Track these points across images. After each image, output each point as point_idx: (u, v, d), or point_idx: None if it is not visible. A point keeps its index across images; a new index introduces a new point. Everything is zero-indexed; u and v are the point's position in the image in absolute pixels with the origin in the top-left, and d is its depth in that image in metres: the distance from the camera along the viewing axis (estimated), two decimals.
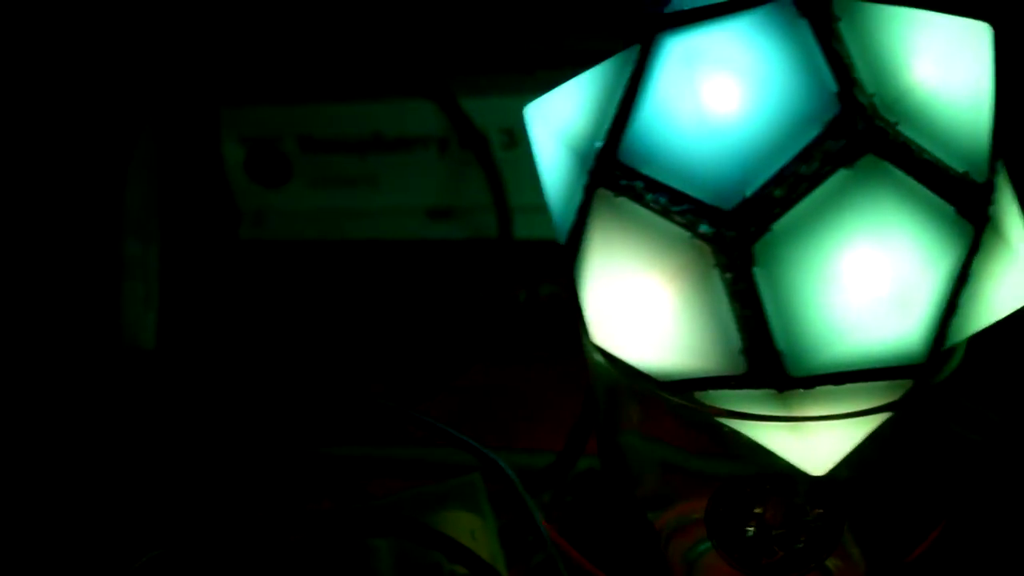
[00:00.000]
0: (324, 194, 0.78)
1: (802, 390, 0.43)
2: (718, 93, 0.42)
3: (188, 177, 0.76)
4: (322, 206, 0.78)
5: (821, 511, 0.49)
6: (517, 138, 0.74)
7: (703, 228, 0.42)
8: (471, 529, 0.56)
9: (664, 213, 0.42)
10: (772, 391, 0.44)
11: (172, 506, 0.55)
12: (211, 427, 0.68)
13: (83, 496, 0.58)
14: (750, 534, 0.49)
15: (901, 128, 0.41)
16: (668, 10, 0.44)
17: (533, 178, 0.74)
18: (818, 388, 0.43)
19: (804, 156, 0.41)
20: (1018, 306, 0.45)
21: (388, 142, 0.75)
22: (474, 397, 0.74)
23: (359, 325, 0.79)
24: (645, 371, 0.47)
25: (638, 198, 0.43)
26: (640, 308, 0.45)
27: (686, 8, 0.44)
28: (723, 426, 0.47)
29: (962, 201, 0.42)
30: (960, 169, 0.43)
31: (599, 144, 0.45)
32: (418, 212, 0.77)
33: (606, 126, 0.45)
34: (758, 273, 0.42)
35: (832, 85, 0.41)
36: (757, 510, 0.49)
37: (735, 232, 0.41)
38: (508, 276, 0.76)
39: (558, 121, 0.47)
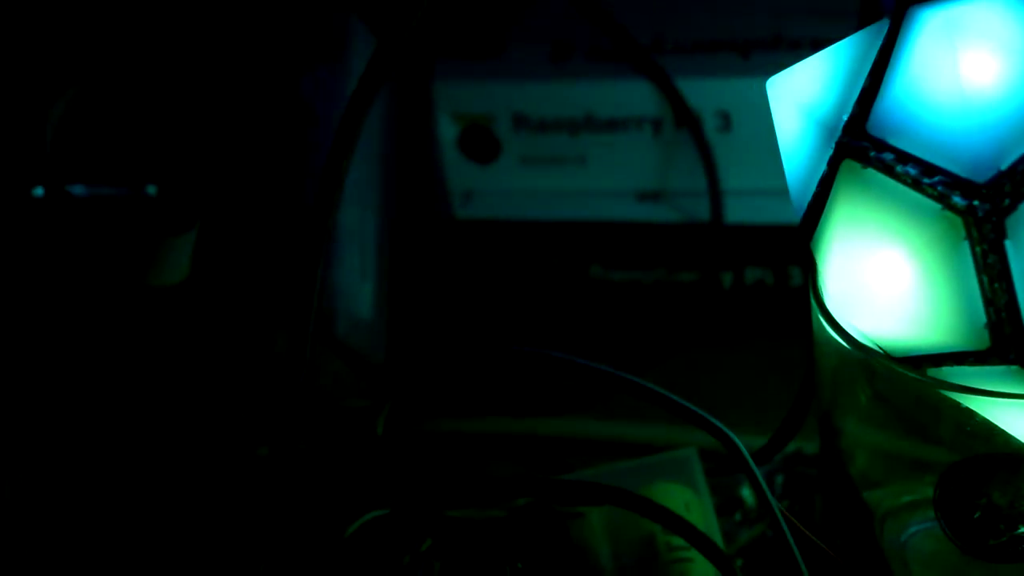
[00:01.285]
0: (534, 173, 0.78)
1: None
2: (976, 65, 0.42)
3: (405, 151, 0.77)
4: (532, 185, 0.79)
5: None
6: (731, 121, 0.74)
7: (955, 200, 0.42)
8: (685, 502, 0.57)
9: (915, 185, 0.42)
10: (1013, 368, 0.43)
11: (384, 472, 0.56)
12: (423, 396, 0.69)
13: (303, 458, 0.60)
14: (977, 515, 0.49)
15: None
16: None
17: (745, 162, 0.75)
18: None
19: None
20: None
21: (600, 123, 0.76)
22: (679, 381, 0.74)
23: (564, 306, 0.80)
24: (879, 346, 0.47)
25: (887, 170, 0.43)
26: (883, 281, 0.45)
27: None
28: (953, 406, 0.47)
29: None
30: None
31: (847, 116, 0.45)
32: (628, 194, 0.77)
33: (854, 98, 0.45)
34: (1010, 247, 0.41)
35: None
36: (986, 490, 0.49)
37: (989, 204, 0.41)
38: (716, 261, 0.76)
39: (802, 93, 0.47)
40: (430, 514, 0.48)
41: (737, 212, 0.75)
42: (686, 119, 0.74)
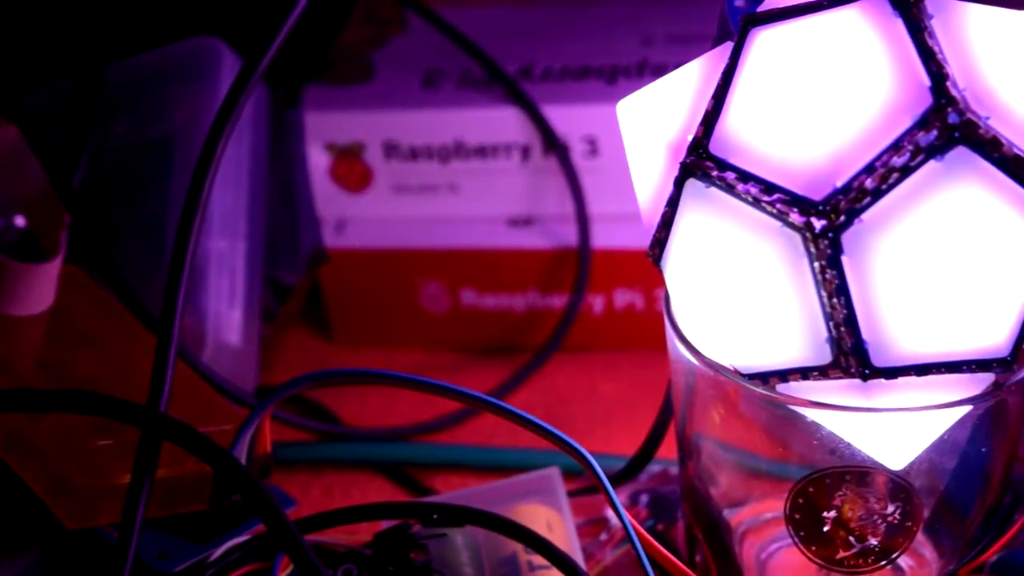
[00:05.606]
0: (405, 201, 0.79)
1: (884, 380, 0.44)
2: (809, 84, 0.43)
3: (275, 180, 0.78)
4: (403, 213, 0.79)
5: (897, 509, 0.50)
6: (598, 146, 0.75)
7: (793, 218, 0.43)
8: (547, 521, 0.57)
9: (755, 203, 0.43)
10: (855, 381, 0.44)
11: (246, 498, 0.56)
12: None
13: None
14: (827, 528, 0.50)
15: (992, 123, 0.42)
16: (762, 8, 0.46)
17: (614, 187, 0.76)
18: (901, 379, 0.44)
19: (895, 147, 0.42)
20: None
21: (470, 150, 0.76)
22: (550, 403, 0.75)
23: (437, 331, 0.81)
24: (729, 363, 0.48)
25: (729, 189, 0.44)
26: (727, 298, 0.46)
27: (780, 6, 0.45)
28: (804, 421, 0.48)
29: None
30: None
31: (691, 137, 0.46)
32: (499, 220, 0.78)
33: (699, 119, 0.46)
34: (847, 263, 0.42)
35: (925, 79, 0.42)
36: (835, 504, 0.50)
37: (825, 221, 0.42)
38: (585, 285, 0.77)
39: (650, 116, 0.48)
40: (291, 540, 0.48)
41: (605, 237, 0.76)
42: (554, 145, 0.75)
